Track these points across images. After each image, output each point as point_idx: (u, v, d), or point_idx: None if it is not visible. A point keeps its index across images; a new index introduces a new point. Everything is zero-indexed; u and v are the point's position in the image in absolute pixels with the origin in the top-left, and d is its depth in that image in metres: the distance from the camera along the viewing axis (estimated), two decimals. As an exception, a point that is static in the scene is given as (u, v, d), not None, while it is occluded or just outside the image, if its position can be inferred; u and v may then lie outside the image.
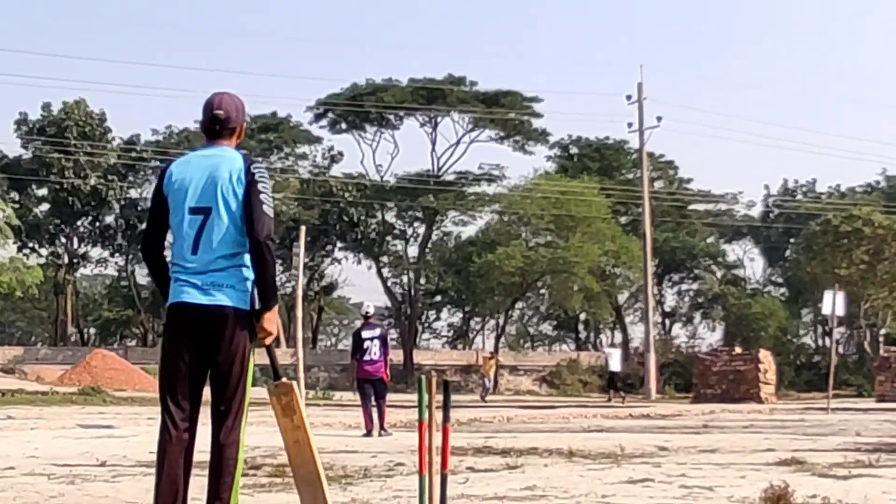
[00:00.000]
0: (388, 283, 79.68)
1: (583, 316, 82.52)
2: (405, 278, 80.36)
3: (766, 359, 45.93)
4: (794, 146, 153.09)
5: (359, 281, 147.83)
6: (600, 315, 77.76)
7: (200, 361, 6.16)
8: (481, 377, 46.62)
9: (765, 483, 8.33)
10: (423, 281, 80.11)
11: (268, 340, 6.24)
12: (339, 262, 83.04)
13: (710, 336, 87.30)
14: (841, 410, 34.45)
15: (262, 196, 6.11)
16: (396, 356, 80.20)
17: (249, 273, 6.15)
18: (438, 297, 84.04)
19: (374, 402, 19.23)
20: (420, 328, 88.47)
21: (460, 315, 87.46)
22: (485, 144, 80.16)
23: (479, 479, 10.44)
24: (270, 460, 12.16)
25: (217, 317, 6.07)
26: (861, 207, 70.02)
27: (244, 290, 6.14)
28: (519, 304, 78.73)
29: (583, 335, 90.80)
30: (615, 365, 45.54)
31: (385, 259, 79.84)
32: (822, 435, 19.36)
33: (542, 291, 73.83)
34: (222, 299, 6.07)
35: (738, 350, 49.39)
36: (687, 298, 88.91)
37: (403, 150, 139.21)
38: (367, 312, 20.37)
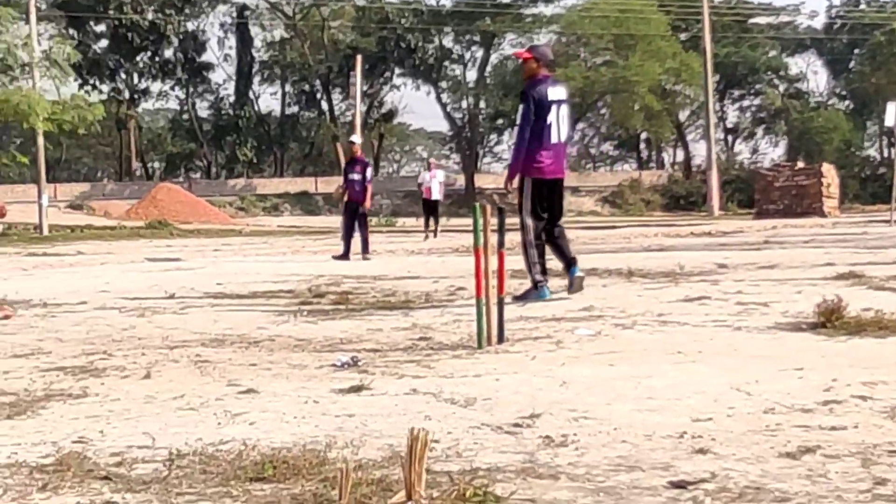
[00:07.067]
0: (448, 109, 79.63)
1: (644, 135, 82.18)
2: (465, 103, 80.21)
3: (829, 172, 45.61)
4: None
5: (419, 107, 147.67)
6: (662, 133, 77.37)
7: None
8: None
9: (820, 298, 8.40)
10: (482, 105, 79.86)
11: None
12: (397, 88, 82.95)
13: (772, 151, 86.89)
14: (905, 222, 34.25)
15: None
16: (459, 180, 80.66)
17: None
18: (500, 121, 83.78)
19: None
20: (481, 152, 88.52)
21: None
22: (542, -37, 78.97)
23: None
24: (334, 288, 12.41)
25: None
26: (927, 14, 68.54)
27: None
28: (580, 125, 78.39)
29: (644, 154, 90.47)
30: (436, 192, 33.55)
31: (444, 84, 79.61)
32: (882, 248, 19.31)
33: (603, 111, 73.50)
34: None
35: (800, 165, 49.04)
36: (749, 114, 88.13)
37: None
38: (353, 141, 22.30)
